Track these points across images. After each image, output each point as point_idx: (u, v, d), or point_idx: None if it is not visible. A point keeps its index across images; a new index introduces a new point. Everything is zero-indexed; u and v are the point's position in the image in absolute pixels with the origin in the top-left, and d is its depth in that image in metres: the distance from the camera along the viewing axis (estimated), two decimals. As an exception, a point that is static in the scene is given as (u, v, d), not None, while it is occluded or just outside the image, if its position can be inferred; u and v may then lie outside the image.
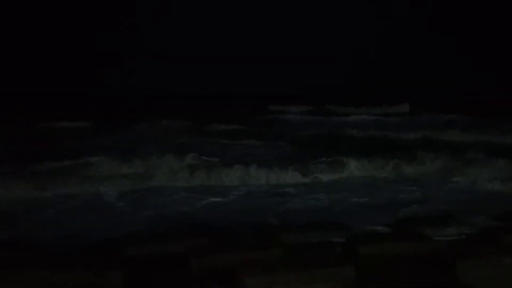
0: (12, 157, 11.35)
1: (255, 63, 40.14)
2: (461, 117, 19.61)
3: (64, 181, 9.06)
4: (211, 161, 11.33)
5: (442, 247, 5.05)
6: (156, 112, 21.25)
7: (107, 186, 9.01)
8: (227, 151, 12.95)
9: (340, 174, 10.03)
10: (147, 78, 36.91)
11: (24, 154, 11.93)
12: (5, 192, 8.39)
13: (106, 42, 40.64)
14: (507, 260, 4.50)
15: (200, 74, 39.48)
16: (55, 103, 25.10)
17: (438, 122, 19.22)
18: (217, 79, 37.90)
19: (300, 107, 26.09)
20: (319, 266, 4.31)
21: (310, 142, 14.75)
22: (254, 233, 6.08)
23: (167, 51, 40.56)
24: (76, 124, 18.79)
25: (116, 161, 10.58)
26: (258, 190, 8.95)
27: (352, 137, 15.67)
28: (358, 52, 41.84)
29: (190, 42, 42.07)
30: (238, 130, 17.09)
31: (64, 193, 8.59)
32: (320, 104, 26.30)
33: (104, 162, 10.55)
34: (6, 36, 36.89)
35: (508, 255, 4.58)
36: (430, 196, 8.18)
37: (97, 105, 25.91)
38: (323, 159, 10.72)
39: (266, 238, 5.64)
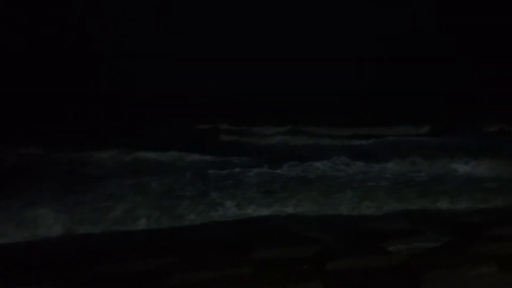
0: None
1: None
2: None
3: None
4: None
5: (408, 259, 5.18)
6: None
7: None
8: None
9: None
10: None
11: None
12: None
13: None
14: (471, 272, 4.66)
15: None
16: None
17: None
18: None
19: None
20: (288, 282, 4.35)
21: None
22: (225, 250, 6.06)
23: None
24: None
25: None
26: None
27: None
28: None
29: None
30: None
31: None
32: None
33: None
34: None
35: (472, 267, 4.74)
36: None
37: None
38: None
39: (237, 256, 5.64)
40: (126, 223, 7.85)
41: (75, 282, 4.30)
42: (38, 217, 7.50)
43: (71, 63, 35.63)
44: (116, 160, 14.97)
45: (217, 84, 38.62)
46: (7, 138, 18.25)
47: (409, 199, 9.05)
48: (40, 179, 11.47)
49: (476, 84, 31.90)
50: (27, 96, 29.67)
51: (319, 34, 42.59)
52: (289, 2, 43.14)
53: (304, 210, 8.58)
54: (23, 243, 6.76)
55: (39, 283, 4.19)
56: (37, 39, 35.97)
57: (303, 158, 13.45)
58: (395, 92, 35.35)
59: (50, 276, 4.61)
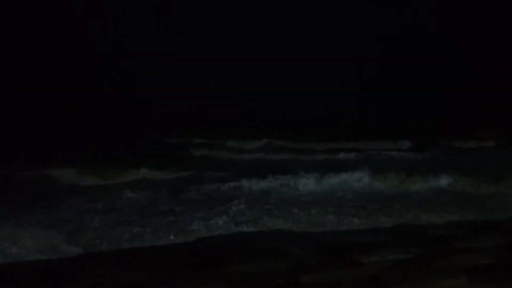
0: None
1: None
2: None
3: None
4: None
5: (379, 272, 5.21)
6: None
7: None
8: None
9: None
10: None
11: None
12: None
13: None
14: (441, 284, 4.72)
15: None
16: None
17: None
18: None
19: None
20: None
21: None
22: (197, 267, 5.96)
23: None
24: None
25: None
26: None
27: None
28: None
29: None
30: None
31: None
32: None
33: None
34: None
35: (442, 279, 4.81)
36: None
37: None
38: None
39: (209, 271, 5.56)
40: (94, 244, 7.68)
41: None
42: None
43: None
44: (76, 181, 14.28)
45: (190, 96, 38.06)
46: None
47: (380, 213, 9.15)
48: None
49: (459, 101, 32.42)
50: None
51: (299, 46, 42.58)
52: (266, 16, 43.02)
53: (278, 225, 8.56)
54: None
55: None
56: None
57: (278, 173, 13.44)
58: (376, 106, 35.68)
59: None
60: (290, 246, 6.86)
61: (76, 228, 8.47)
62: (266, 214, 9.18)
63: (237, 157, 20.11)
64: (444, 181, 12.04)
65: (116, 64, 37.68)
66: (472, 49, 36.16)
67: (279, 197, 11.04)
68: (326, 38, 41.89)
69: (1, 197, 11.30)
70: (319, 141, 23.80)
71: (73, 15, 37.59)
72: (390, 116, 32.11)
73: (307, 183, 12.39)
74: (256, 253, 6.49)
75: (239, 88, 38.44)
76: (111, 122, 29.94)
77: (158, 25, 41.08)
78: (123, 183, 13.73)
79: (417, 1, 40.21)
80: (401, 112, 32.82)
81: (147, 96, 36.72)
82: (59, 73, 35.01)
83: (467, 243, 6.55)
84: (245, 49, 40.68)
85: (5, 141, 21.06)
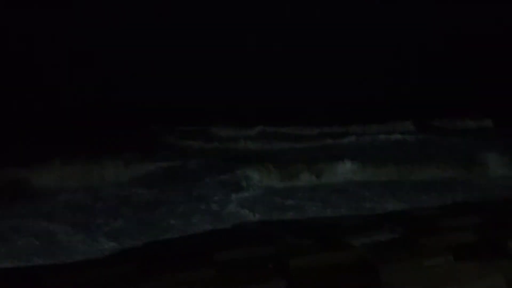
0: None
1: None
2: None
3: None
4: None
5: (367, 253, 5.29)
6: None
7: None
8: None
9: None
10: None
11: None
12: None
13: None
14: (426, 262, 4.81)
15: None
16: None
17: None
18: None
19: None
20: (251, 282, 4.33)
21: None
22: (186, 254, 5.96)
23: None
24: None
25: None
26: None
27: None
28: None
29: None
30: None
31: None
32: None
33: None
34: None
35: (426, 257, 4.90)
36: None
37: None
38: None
39: (198, 258, 5.57)
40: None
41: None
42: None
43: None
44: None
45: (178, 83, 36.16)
46: None
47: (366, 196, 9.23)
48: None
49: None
50: None
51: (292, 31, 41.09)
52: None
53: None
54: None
55: None
56: None
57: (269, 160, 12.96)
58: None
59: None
60: (279, 231, 6.93)
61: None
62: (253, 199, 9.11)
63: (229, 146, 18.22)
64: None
65: (94, 50, 36.23)
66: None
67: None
68: (317, 20, 40.98)
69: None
70: (315, 125, 22.25)
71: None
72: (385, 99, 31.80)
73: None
74: (244, 238, 6.54)
75: (229, 72, 37.02)
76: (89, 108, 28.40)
77: (137, 9, 39.77)
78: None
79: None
80: (395, 93, 32.69)
81: (124, 79, 35.05)
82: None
83: (451, 222, 6.69)
84: (234, 30, 39.31)
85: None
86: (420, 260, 4.88)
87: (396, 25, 37.79)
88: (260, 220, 7.77)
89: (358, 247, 5.69)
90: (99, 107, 28.27)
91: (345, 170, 11.40)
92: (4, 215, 8.03)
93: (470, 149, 14.59)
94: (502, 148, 13.35)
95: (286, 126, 22.28)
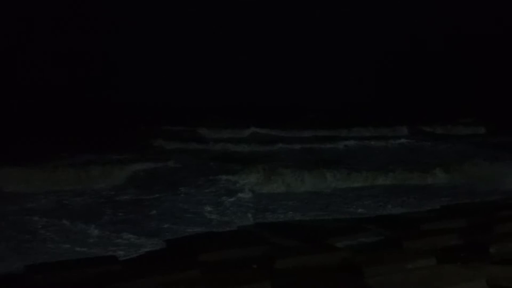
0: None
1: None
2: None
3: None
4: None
5: (352, 255, 5.33)
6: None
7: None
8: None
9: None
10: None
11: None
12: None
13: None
14: (409, 265, 4.86)
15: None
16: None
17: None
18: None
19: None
20: (236, 283, 4.32)
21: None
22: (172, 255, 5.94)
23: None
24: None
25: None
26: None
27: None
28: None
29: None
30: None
31: None
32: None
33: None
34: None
35: (409, 261, 4.95)
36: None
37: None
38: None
39: (183, 259, 5.56)
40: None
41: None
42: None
43: None
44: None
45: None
46: None
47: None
48: None
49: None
50: None
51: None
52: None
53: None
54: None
55: None
56: None
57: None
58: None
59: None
60: (265, 232, 6.94)
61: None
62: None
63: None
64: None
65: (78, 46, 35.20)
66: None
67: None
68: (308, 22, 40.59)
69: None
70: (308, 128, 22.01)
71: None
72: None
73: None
74: (229, 239, 6.53)
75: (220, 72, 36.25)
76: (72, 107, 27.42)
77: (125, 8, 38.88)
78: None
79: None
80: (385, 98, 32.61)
81: (111, 78, 34.04)
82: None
83: (436, 226, 6.77)
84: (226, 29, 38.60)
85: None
86: (404, 262, 4.93)
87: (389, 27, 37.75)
88: (249, 223, 7.72)
89: (343, 249, 5.73)
90: (85, 106, 27.38)
91: (334, 177, 11.30)
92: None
93: (459, 154, 14.82)
94: (491, 154, 13.61)
95: (278, 128, 22.14)
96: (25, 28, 33.79)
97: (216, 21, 38.23)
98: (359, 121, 23.42)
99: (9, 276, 5.23)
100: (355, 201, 9.27)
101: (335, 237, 6.32)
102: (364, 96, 33.98)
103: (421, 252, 5.28)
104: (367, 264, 4.73)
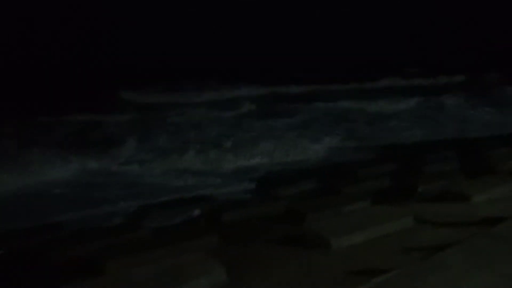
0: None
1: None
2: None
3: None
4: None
5: (294, 203, 5.64)
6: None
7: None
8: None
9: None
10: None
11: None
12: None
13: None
14: (347, 208, 5.23)
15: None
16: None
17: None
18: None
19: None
20: (184, 239, 4.47)
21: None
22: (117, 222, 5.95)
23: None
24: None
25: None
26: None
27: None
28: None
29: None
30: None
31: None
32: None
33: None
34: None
35: (346, 204, 5.33)
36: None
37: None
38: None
39: (130, 224, 5.62)
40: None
41: None
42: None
43: None
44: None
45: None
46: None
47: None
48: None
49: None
50: None
51: None
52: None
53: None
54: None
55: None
56: None
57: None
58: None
59: None
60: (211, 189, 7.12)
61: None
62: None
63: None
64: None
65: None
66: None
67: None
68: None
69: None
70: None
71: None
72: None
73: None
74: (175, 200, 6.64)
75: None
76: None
77: None
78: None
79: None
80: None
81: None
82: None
83: (370, 171, 7.24)
84: None
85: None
86: (342, 206, 5.29)
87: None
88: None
89: (287, 198, 6.03)
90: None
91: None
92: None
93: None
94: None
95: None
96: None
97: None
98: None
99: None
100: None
101: (279, 186, 6.60)
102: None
103: (357, 196, 5.67)
104: (308, 211, 5.05)
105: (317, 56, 28.89)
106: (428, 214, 4.83)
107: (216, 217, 5.41)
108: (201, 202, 6.10)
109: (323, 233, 4.25)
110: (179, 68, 23.85)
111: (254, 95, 17.37)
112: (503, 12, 33.26)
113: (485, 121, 12.76)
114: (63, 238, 4.96)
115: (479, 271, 2.94)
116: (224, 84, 18.91)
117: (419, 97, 16.16)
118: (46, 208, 6.71)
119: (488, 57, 26.95)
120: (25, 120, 12.74)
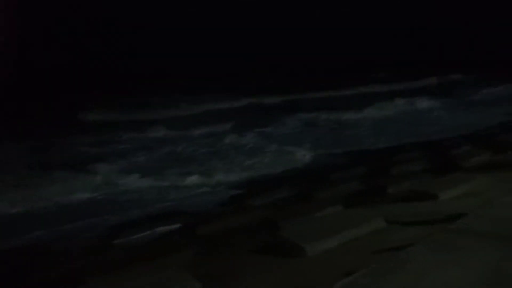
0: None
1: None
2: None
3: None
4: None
5: (268, 211, 5.69)
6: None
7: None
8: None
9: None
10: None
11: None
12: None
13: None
14: (319, 214, 5.31)
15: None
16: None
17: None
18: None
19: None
20: (159, 255, 4.44)
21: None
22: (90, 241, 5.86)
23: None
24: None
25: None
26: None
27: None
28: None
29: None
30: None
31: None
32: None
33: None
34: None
35: (319, 210, 5.41)
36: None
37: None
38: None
39: (103, 243, 5.54)
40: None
41: None
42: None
43: None
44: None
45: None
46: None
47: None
48: None
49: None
50: None
51: None
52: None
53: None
54: None
55: None
56: None
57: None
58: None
59: None
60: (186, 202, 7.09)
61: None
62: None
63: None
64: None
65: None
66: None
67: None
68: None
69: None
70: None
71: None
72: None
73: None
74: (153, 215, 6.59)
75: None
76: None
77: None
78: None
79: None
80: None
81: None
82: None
83: (341, 175, 7.38)
84: None
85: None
86: (315, 212, 5.37)
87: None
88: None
89: (261, 207, 6.07)
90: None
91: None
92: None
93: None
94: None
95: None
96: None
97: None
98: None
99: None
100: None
101: (254, 196, 6.64)
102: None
103: (329, 201, 5.77)
104: (282, 218, 5.10)
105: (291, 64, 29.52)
106: (399, 215, 4.95)
107: (190, 230, 5.40)
108: (175, 216, 6.07)
109: (297, 240, 4.30)
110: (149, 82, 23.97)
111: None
112: (477, 14, 33.98)
113: (455, 122, 13.22)
114: (38, 258, 4.85)
115: (443, 265, 3.04)
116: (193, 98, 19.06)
117: (392, 101, 16.69)
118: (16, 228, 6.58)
119: (460, 59, 27.88)
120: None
